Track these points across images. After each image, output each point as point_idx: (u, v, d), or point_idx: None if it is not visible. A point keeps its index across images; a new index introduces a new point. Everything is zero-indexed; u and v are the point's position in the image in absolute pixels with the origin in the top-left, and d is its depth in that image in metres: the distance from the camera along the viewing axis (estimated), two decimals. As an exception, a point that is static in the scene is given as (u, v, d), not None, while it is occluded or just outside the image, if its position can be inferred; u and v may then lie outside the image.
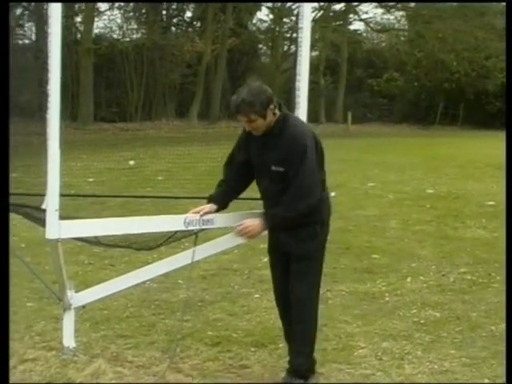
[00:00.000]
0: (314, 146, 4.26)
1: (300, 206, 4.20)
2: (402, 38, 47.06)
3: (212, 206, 4.45)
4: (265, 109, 4.15)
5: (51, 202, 3.96)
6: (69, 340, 4.87)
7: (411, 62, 43.18)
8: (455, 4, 41.16)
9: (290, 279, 4.40)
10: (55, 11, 3.88)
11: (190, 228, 4.41)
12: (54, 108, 3.91)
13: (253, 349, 5.08)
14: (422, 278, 7.03)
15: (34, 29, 32.45)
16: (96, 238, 4.67)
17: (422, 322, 5.70)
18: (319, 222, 4.36)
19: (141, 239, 4.80)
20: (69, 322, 4.91)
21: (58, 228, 3.99)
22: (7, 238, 3.93)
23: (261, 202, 4.52)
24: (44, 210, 4.05)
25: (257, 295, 6.43)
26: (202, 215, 4.40)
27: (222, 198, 4.51)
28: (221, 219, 4.52)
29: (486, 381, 4.51)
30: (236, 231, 4.44)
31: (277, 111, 4.24)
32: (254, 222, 4.33)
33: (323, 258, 4.47)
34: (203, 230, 4.50)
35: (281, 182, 4.24)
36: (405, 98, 44.23)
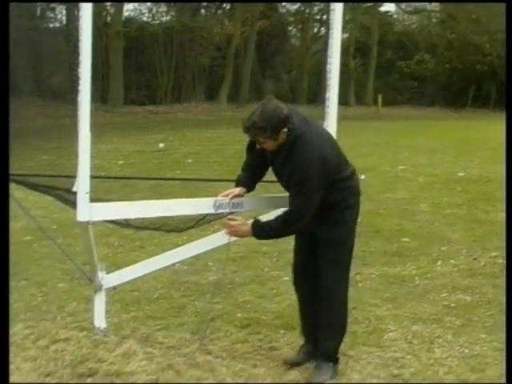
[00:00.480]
0: (321, 169, 4.07)
1: (284, 228, 4.20)
2: (434, 20, 46.56)
3: (241, 189, 4.44)
4: (276, 133, 4.07)
5: (82, 185, 3.98)
6: (100, 321, 4.92)
7: (442, 43, 42.70)
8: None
9: (315, 263, 4.36)
10: None
11: (220, 211, 4.42)
12: (84, 91, 3.92)
13: (282, 331, 5.09)
14: (452, 261, 6.99)
15: (64, 12, 32.63)
16: (126, 220, 4.70)
17: (453, 305, 5.67)
18: (347, 208, 4.31)
19: (171, 221, 4.82)
20: (100, 303, 4.95)
21: (88, 210, 4.01)
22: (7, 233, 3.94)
23: None
24: (75, 193, 4.07)
25: (286, 278, 6.42)
26: (231, 198, 4.40)
27: (250, 182, 4.49)
28: (250, 202, 4.51)
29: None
30: (225, 224, 4.40)
31: (291, 128, 4.10)
32: (243, 227, 4.30)
33: (353, 242, 4.43)
34: (233, 213, 4.50)
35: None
36: (436, 81, 43.80)
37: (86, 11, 3.89)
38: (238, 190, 4.43)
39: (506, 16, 6.65)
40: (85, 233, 4.38)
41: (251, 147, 4.48)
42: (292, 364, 4.48)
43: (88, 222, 4.09)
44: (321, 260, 4.32)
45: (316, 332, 4.47)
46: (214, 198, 4.39)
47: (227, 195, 4.41)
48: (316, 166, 4.07)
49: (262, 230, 4.26)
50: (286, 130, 4.08)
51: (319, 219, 4.23)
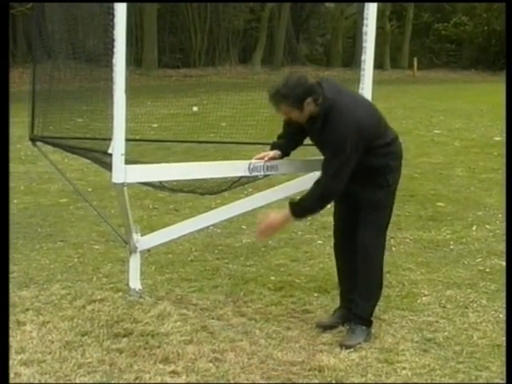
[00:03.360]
0: (356, 135, 4.07)
1: (323, 197, 4.23)
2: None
3: (276, 152, 4.44)
4: (300, 102, 4.08)
5: (117, 147, 3.99)
6: (135, 282, 4.98)
7: (481, 5, 41.82)
8: None
9: (355, 225, 4.37)
10: None
11: (255, 174, 4.41)
12: (119, 53, 3.92)
13: (315, 294, 5.10)
14: (487, 226, 6.93)
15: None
16: (161, 182, 4.72)
17: (488, 270, 5.63)
18: (389, 171, 4.32)
19: (205, 184, 4.83)
20: (135, 264, 5.01)
21: (123, 172, 4.03)
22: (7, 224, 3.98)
23: None
24: (110, 155, 4.10)
25: (320, 241, 6.44)
26: (266, 161, 4.40)
27: (285, 147, 4.49)
28: (285, 165, 4.50)
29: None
30: (259, 229, 4.45)
31: (320, 100, 4.10)
32: (277, 215, 4.28)
33: (393, 206, 4.44)
34: (267, 175, 4.50)
35: None
36: (473, 43, 43.01)
37: None
38: (272, 153, 4.43)
39: (506, 16, 6.48)
40: (120, 195, 4.42)
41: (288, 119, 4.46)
42: (325, 327, 4.50)
43: (123, 184, 4.11)
44: (361, 222, 4.34)
45: (352, 295, 4.50)
46: (249, 161, 4.38)
47: (262, 158, 4.41)
48: (351, 133, 4.06)
49: (301, 208, 4.27)
50: (310, 99, 4.08)
51: (362, 182, 4.24)
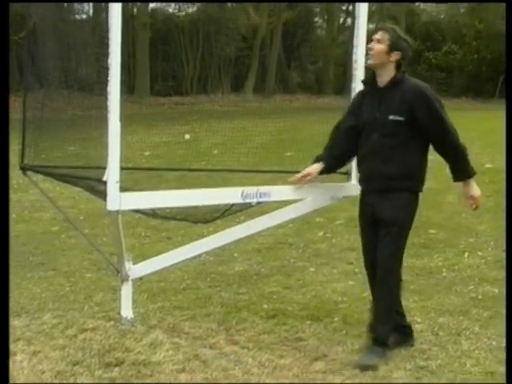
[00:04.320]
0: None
1: (461, 145, 4.58)
2: (462, 10, 46.05)
3: (318, 166, 4.50)
4: (393, 44, 4.32)
5: (112, 174, 4.01)
6: (127, 311, 4.96)
7: (471, 33, 42.23)
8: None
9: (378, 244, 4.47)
10: None
11: (248, 201, 4.42)
12: (114, 81, 3.95)
13: (308, 322, 5.09)
14: (479, 253, 6.94)
15: (91, 4, 32.72)
16: (153, 210, 4.72)
17: (480, 297, 5.63)
18: (414, 191, 4.47)
19: (197, 212, 4.84)
20: (127, 293, 4.98)
21: (118, 200, 4.04)
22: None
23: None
24: (105, 183, 4.10)
25: (312, 269, 6.43)
26: (304, 180, 4.45)
27: (332, 159, 4.59)
28: (277, 192, 4.52)
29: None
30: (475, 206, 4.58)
31: (402, 69, 4.39)
32: (477, 190, 4.52)
33: (411, 225, 4.50)
34: (260, 203, 4.51)
35: (396, 134, 4.35)
36: (464, 71, 43.32)
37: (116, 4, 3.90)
38: (312, 169, 4.49)
39: (506, 16, 6.57)
40: (114, 222, 4.42)
41: (337, 127, 4.59)
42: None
43: (118, 212, 4.12)
44: (380, 238, 4.45)
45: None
46: (242, 188, 4.39)
47: (304, 177, 4.47)
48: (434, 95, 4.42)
49: (470, 165, 4.56)
50: (399, 55, 4.33)
51: (385, 200, 4.39)
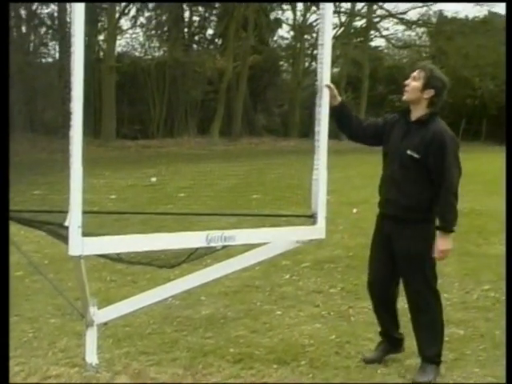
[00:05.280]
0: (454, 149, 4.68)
1: (452, 198, 4.74)
2: (424, 55, 46.98)
3: (337, 98, 4.85)
4: (428, 82, 4.65)
5: (74, 219, 3.98)
6: (91, 356, 4.89)
7: (433, 77, 43.05)
8: (477, 19, 41.18)
9: (394, 275, 4.90)
10: (78, 27, 3.88)
11: (212, 245, 4.42)
12: (76, 125, 3.94)
13: (275, 366, 5.06)
14: (445, 295, 6.95)
15: (57, 48, 32.82)
16: (118, 254, 4.69)
17: (446, 339, 5.61)
18: (432, 222, 4.70)
19: (163, 256, 4.81)
20: (91, 338, 4.92)
21: (81, 244, 4.01)
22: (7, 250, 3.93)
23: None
24: (67, 227, 4.07)
25: (279, 312, 6.41)
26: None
27: (349, 112, 5.00)
28: (243, 236, 4.52)
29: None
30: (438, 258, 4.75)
31: (435, 108, 4.72)
32: (445, 241, 4.70)
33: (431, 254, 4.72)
34: (225, 246, 4.50)
35: (410, 168, 4.67)
36: (427, 114, 44.03)
37: (79, 44, 3.91)
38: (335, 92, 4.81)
39: (506, 16, 6.71)
40: (77, 267, 4.37)
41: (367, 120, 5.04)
42: (372, 361, 5.00)
43: (80, 257, 4.08)
44: (404, 273, 4.84)
45: (416, 339, 4.95)
46: (206, 232, 4.39)
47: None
48: (453, 140, 4.70)
49: (453, 219, 4.75)
50: (433, 93, 4.66)
51: (404, 231, 4.73)
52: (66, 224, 4.13)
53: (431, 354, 4.80)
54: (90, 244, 4.09)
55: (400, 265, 4.81)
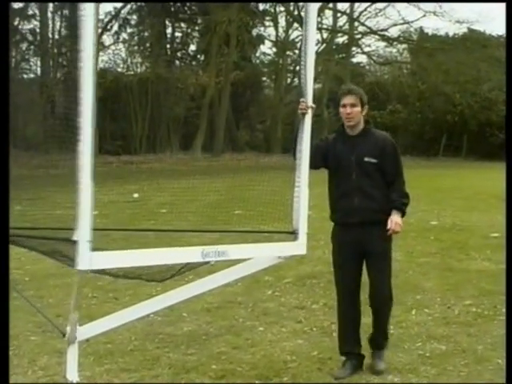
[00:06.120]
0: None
1: (405, 189, 5.32)
2: (405, 71, 47.38)
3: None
4: (362, 103, 5.18)
5: (83, 234, 3.98)
6: (72, 374, 4.83)
7: (414, 94, 43.37)
8: (457, 36, 41.59)
9: (362, 273, 5.27)
10: (87, 41, 3.83)
11: (207, 259, 4.42)
12: (85, 141, 3.99)
13: (257, 382, 5.05)
14: (426, 310, 7.00)
15: (39, 63, 32.75)
16: (103, 269, 4.66)
17: (428, 354, 5.66)
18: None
19: (151, 270, 4.79)
20: (72, 356, 4.87)
21: (89, 259, 4.00)
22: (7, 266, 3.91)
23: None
24: (68, 242, 4.05)
25: (261, 328, 6.40)
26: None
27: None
28: (236, 251, 4.52)
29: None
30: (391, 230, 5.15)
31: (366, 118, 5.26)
32: (398, 219, 5.16)
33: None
34: (219, 261, 4.51)
35: (371, 174, 5.15)
36: (408, 130, 44.31)
37: (88, 59, 3.88)
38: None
39: (506, 16, 6.75)
40: (79, 282, 4.36)
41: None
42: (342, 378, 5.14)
43: (87, 271, 4.08)
44: (373, 270, 5.23)
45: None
46: (202, 247, 4.39)
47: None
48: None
49: (406, 202, 5.29)
50: (366, 107, 5.25)
51: (372, 231, 5.16)
52: (75, 238, 4.10)
53: (384, 345, 5.40)
54: (99, 259, 4.08)
55: (372, 262, 5.22)
